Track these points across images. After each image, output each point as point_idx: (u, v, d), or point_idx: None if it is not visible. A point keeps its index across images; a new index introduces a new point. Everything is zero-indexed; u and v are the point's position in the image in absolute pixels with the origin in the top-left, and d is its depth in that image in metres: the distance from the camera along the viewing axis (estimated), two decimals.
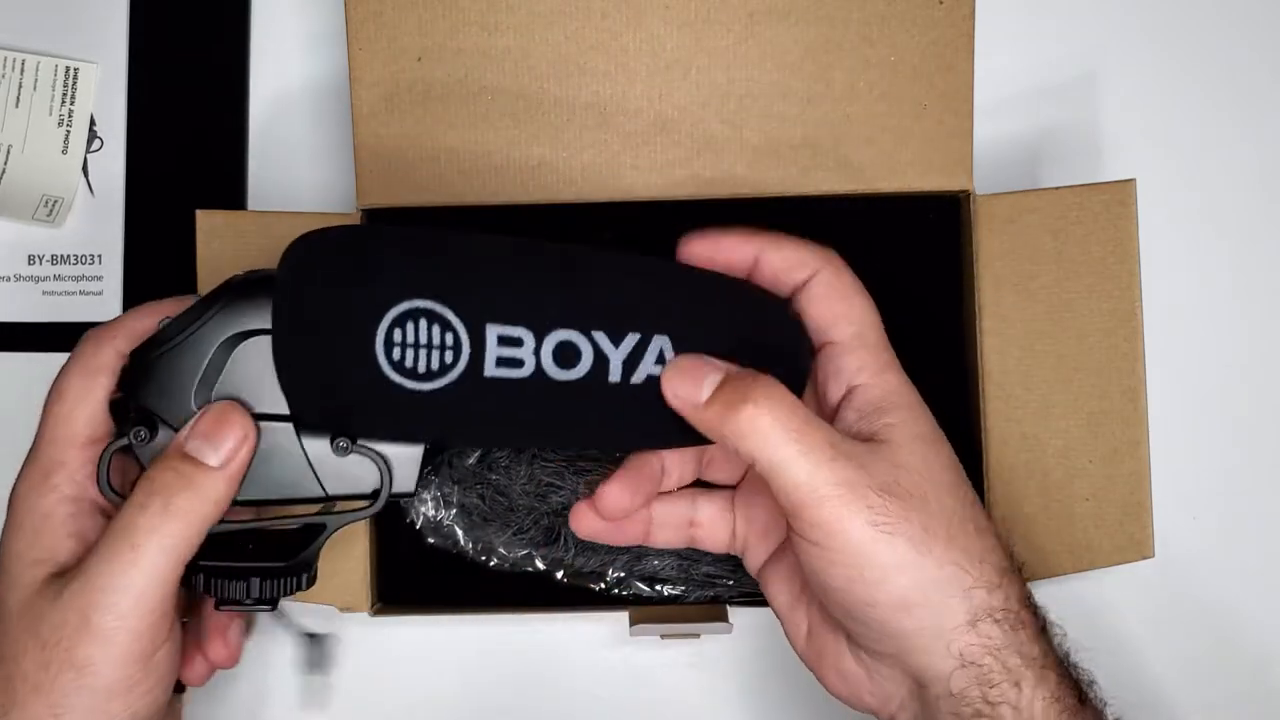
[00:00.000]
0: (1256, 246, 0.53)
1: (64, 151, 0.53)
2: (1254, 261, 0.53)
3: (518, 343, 0.35)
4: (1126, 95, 0.54)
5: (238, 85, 0.53)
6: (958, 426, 0.48)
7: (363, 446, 0.37)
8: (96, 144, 0.53)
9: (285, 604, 0.50)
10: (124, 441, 0.36)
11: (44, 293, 0.53)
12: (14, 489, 0.38)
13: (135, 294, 0.52)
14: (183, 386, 0.36)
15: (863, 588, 0.34)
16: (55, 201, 0.53)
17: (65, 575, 0.35)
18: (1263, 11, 0.54)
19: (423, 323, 0.34)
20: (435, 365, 0.34)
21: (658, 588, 0.48)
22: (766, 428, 0.34)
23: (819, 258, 0.39)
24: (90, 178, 0.53)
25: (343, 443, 0.37)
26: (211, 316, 0.36)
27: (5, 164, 0.53)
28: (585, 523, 0.40)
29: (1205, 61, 0.54)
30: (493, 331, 0.35)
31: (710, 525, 0.42)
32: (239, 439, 0.35)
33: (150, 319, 0.38)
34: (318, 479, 0.37)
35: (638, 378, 0.36)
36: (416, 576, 0.49)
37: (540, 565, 0.48)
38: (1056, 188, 0.47)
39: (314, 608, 0.50)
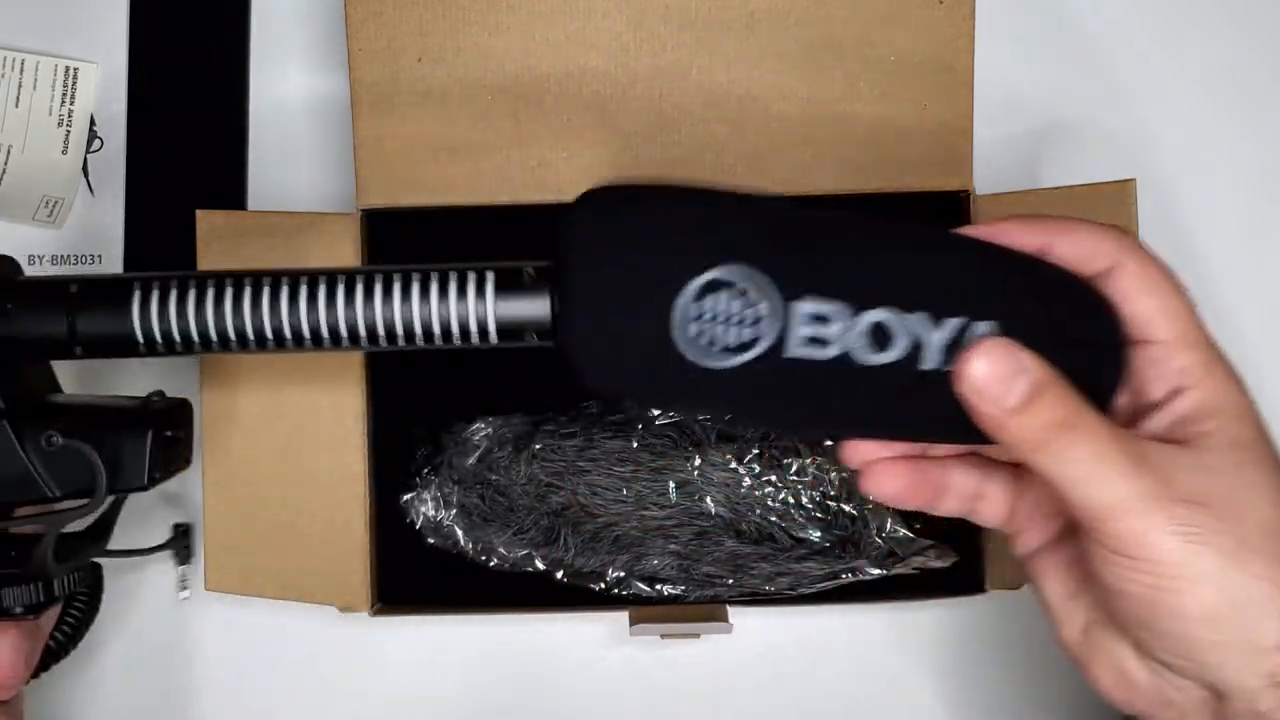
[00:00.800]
0: (1257, 246, 0.53)
1: (64, 152, 0.53)
2: (1254, 261, 0.53)
3: (827, 320, 0.31)
4: (1127, 95, 0.54)
5: (238, 85, 0.53)
6: None
7: (73, 442, 0.35)
8: (97, 144, 0.53)
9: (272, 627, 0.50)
10: None
11: None
12: None
13: None
14: None
15: (1166, 599, 0.32)
16: (55, 202, 0.52)
17: None
18: (1263, 11, 0.54)
19: (723, 296, 0.31)
20: (735, 341, 0.31)
21: (657, 587, 0.48)
22: (1078, 456, 0.31)
23: (1119, 245, 0.34)
24: (90, 178, 0.53)
25: (52, 437, 0.35)
26: None
27: (5, 164, 0.53)
28: (885, 481, 0.36)
29: (1206, 61, 0.54)
30: (802, 308, 0.31)
31: (993, 501, 0.38)
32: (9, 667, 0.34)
33: None
34: (41, 478, 0.35)
35: (950, 365, 0.32)
36: (416, 576, 0.49)
37: (540, 565, 0.48)
38: (1056, 187, 0.47)
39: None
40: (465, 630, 0.51)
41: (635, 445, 0.48)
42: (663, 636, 0.48)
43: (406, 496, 0.49)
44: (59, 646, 0.43)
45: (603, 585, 0.48)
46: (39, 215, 0.52)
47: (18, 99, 0.53)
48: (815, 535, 0.48)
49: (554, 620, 0.51)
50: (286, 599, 0.47)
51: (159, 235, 0.52)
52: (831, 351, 0.31)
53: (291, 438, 0.46)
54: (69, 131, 0.53)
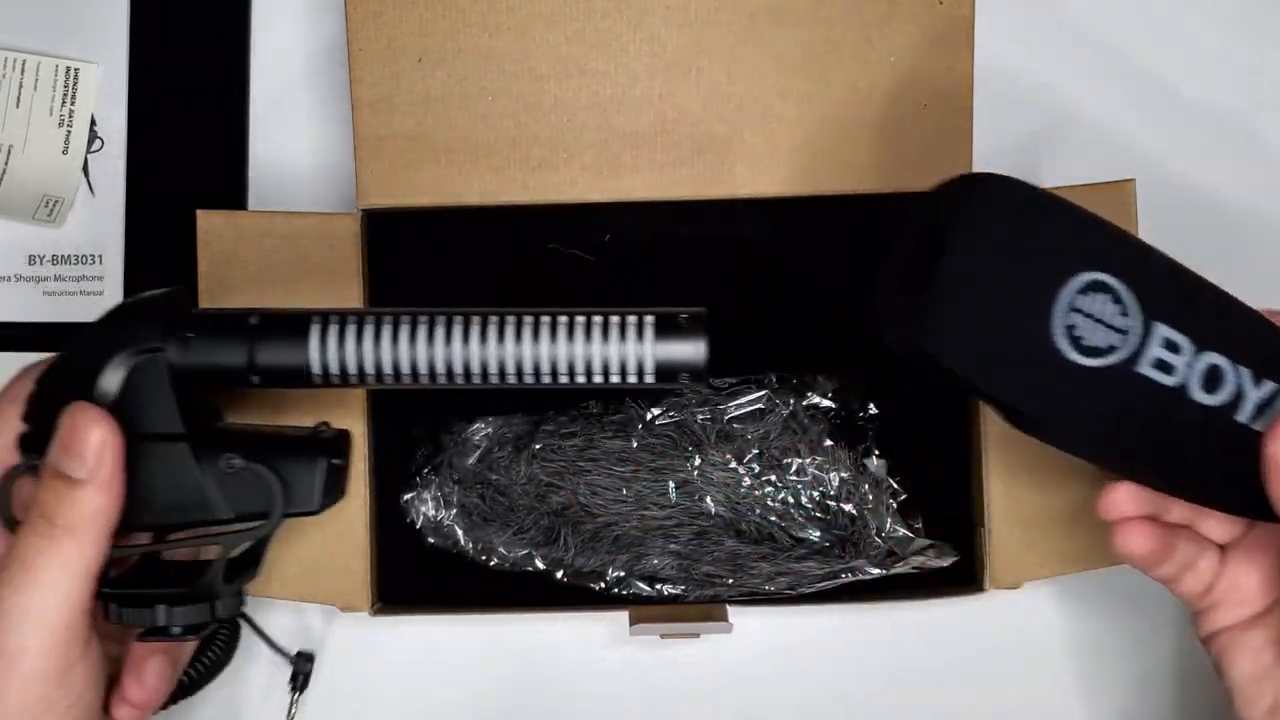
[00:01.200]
0: (1258, 245, 0.53)
1: (64, 152, 0.53)
2: (1256, 261, 0.53)
3: (1176, 349, 0.34)
4: (1126, 95, 0.54)
5: (238, 85, 0.53)
6: (958, 426, 0.48)
7: (254, 464, 0.36)
8: (97, 144, 0.53)
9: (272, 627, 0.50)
10: (22, 467, 0.36)
11: (45, 293, 0.53)
12: None
13: (135, 294, 0.52)
14: None
15: None
16: (56, 202, 0.53)
17: None
18: (1264, 11, 0.54)
19: (1100, 298, 0.33)
20: (1101, 343, 0.33)
21: (657, 587, 0.48)
22: None
23: None
24: (91, 178, 0.53)
25: (232, 460, 0.36)
26: (100, 338, 0.36)
27: (6, 164, 0.53)
28: (1138, 540, 0.38)
29: (1206, 60, 0.54)
30: (1160, 330, 0.34)
31: (1198, 575, 0.40)
32: (98, 445, 0.34)
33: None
34: (216, 500, 0.36)
35: (1259, 424, 0.36)
36: (416, 576, 0.49)
37: (540, 565, 0.48)
38: (1056, 187, 0.47)
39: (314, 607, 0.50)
40: (465, 630, 0.51)
41: (635, 445, 0.48)
42: (663, 636, 0.48)
43: (407, 496, 0.49)
44: (191, 683, 0.43)
45: (603, 585, 0.48)
46: (39, 215, 0.52)
47: (18, 99, 0.53)
48: (815, 535, 0.48)
49: (554, 620, 0.51)
50: (287, 599, 0.47)
51: (159, 235, 0.52)
52: (1172, 379, 0.34)
53: None
54: (69, 131, 0.53)
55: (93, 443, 0.34)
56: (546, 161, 0.46)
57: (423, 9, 0.46)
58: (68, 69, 0.53)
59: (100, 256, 0.53)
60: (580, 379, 0.36)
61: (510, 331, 0.36)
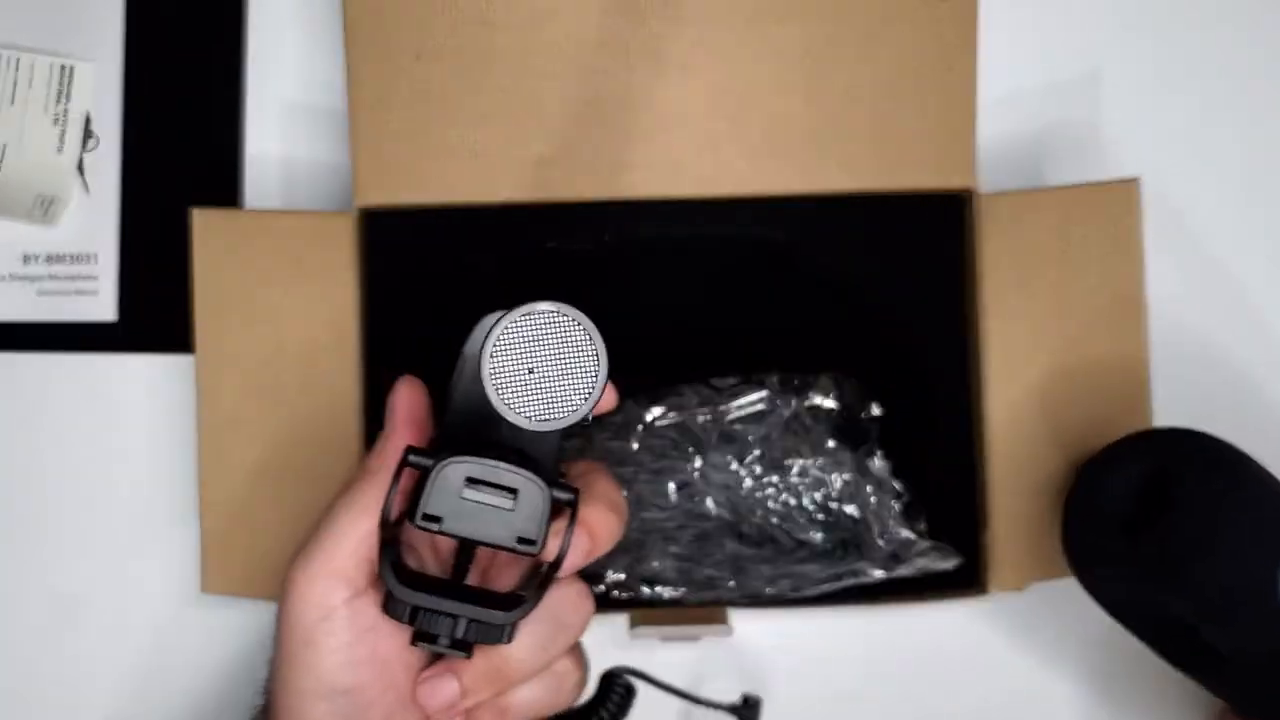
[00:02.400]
0: (1261, 245, 0.53)
1: (59, 150, 0.53)
2: (1258, 261, 0.53)
3: None
4: (1130, 93, 0.54)
5: (234, 83, 0.53)
6: (961, 427, 0.48)
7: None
8: (92, 143, 0.53)
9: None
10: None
11: (39, 292, 0.52)
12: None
13: (131, 293, 0.52)
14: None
15: None
16: (50, 200, 0.52)
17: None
18: (1266, 9, 0.54)
19: None
20: None
21: (658, 589, 0.48)
22: None
23: None
24: (86, 176, 0.53)
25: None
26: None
27: (0, 163, 0.52)
28: None
29: (1209, 59, 0.54)
30: None
31: None
32: (392, 399, 0.38)
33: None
34: (540, 536, 0.34)
35: None
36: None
37: None
38: (1060, 186, 0.47)
39: None
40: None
41: (636, 446, 0.48)
42: (663, 639, 0.48)
43: None
44: None
45: (602, 587, 0.48)
46: (34, 213, 0.52)
47: (13, 97, 0.53)
48: (817, 537, 0.48)
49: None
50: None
51: (154, 234, 0.52)
52: None
53: (289, 439, 0.46)
54: (64, 130, 0.53)
55: (391, 398, 0.38)
56: (546, 160, 0.46)
57: (421, 6, 0.45)
58: (62, 67, 0.53)
59: (95, 255, 0.52)
60: None
61: None
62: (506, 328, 0.34)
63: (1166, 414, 0.48)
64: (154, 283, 0.52)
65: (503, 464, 0.33)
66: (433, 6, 0.45)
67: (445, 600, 0.34)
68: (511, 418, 0.33)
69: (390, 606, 0.35)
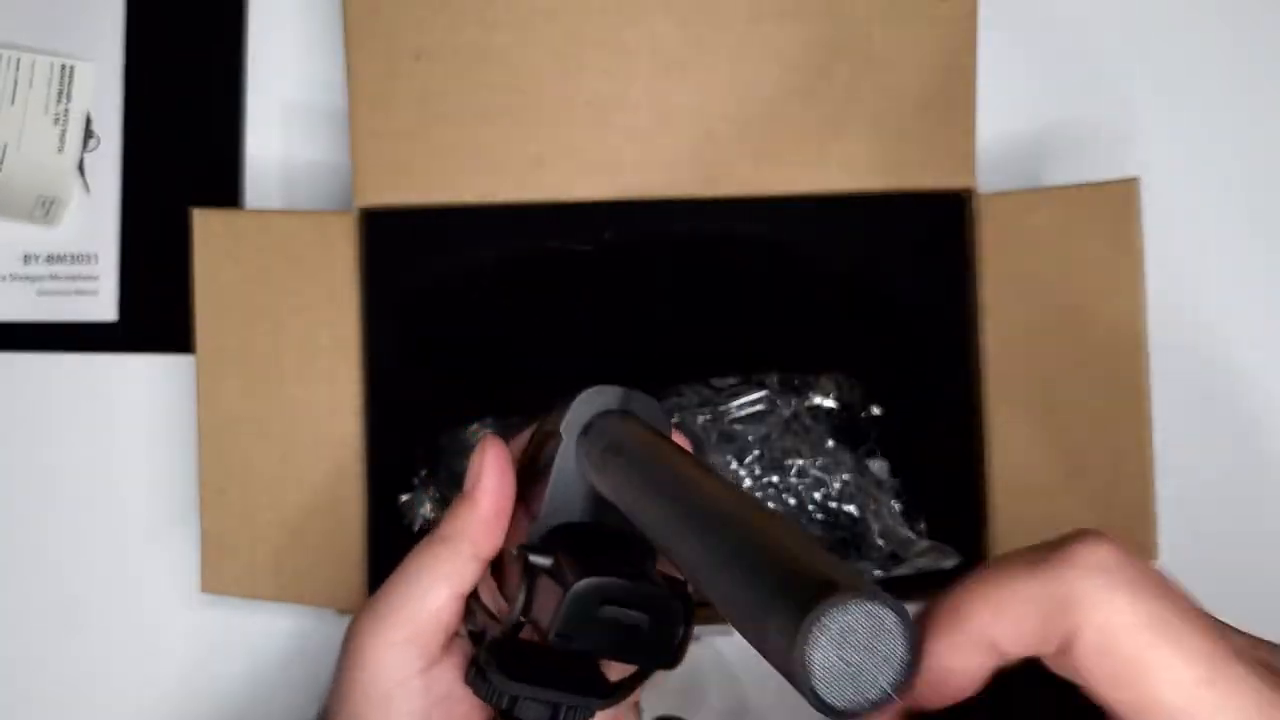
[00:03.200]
0: (1261, 244, 0.53)
1: (60, 150, 0.53)
2: (1259, 260, 0.53)
3: None
4: (1130, 93, 0.54)
5: (234, 83, 0.53)
6: (961, 427, 0.48)
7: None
8: (93, 143, 0.53)
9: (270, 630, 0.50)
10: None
11: (40, 292, 0.52)
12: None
13: (131, 293, 0.52)
14: None
15: None
16: (51, 201, 0.52)
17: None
18: (1267, 8, 0.54)
19: None
20: None
21: None
22: None
23: (1065, 603, 0.22)
24: (86, 177, 0.53)
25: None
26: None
27: (1, 163, 0.52)
28: None
29: (1209, 60, 0.54)
30: None
31: None
32: (478, 462, 0.35)
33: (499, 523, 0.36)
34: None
35: None
36: None
37: None
38: (1060, 186, 0.47)
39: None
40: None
41: None
42: None
43: (404, 498, 0.49)
44: None
45: None
46: (35, 214, 0.52)
47: (13, 97, 0.53)
48: (817, 536, 0.48)
49: None
50: (284, 601, 0.46)
51: (155, 234, 0.52)
52: None
53: (289, 440, 0.46)
54: (65, 130, 0.53)
55: (476, 461, 0.35)
56: (545, 160, 0.46)
57: (420, 6, 0.45)
58: (63, 66, 0.53)
59: (96, 256, 0.52)
60: None
61: None
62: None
63: (1165, 412, 0.48)
64: (154, 283, 0.52)
65: (643, 584, 0.32)
66: (432, 6, 0.45)
67: (544, 690, 0.34)
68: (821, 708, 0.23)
69: (482, 689, 0.34)
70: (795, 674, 0.20)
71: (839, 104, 0.46)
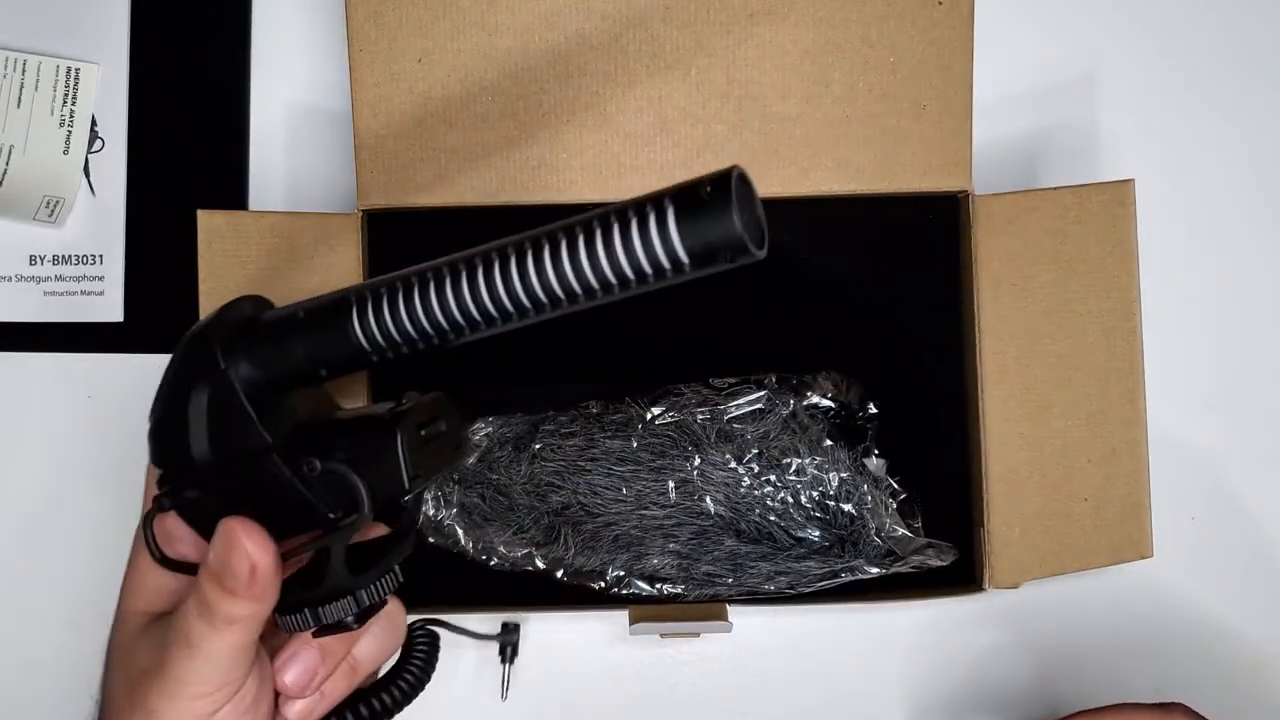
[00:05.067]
0: (1254, 245, 0.53)
1: (65, 152, 0.53)
2: (1252, 261, 0.53)
3: None
4: (1125, 96, 0.54)
5: (239, 86, 0.53)
6: (957, 426, 0.48)
7: (332, 464, 0.35)
8: (98, 144, 0.53)
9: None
10: (154, 510, 0.36)
11: (45, 293, 0.53)
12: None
13: (136, 294, 0.53)
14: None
15: None
16: (56, 202, 0.53)
17: (160, 620, 0.38)
18: (1259, 12, 0.54)
19: None
20: None
21: (658, 586, 0.48)
22: None
23: None
24: (91, 178, 0.53)
25: (312, 463, 0.35)
26: (178, 377, 0.36)
27: (7, 165, 0.53)
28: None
29: (1203, 62, 0.54)
30: None
31: None
32: (248, 569, 0.35)
33: None
34: (317, 504, 0.36)
35: None
36: (416, 576, 0.49)
37: (540, 565, 0.48)
38: (1055, 188, 0.47)
39: None
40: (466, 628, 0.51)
41: (635, 445, 0.48)
42: (663, 636, 0.49)
43: (406, 497, 0.49)
44: (393, 703, 0.43)
45: (603, 584, 0.48)
46: (40, 215, 0.52)
47: (19, 99, 0.53)
48: (814, 534, 0.48)
49: (554, 619, 0.51)
50: None
51: (160, 235, 0.53)
52: None
53: None
54: (70, 132, 0.53)
55: (244, 568, 0.35)
56: (546, 161, 0.46)
57: (423, 10, 0.46)
58: (68, 69, 0.53)
59: (101, 256, 0.53)
60: (616, 290, 0.32)
61: (539, 256, 0.32)
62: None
63: (1160, 411, 0.48)
64: (160, 283, 0.52)
65: (416, 400, 0.37)
66: (434, 11, 0.46)
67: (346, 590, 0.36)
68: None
69: (295, 621, 0.36)
70: (719, 207, 0.28)
71: (837, 107, 0.46)
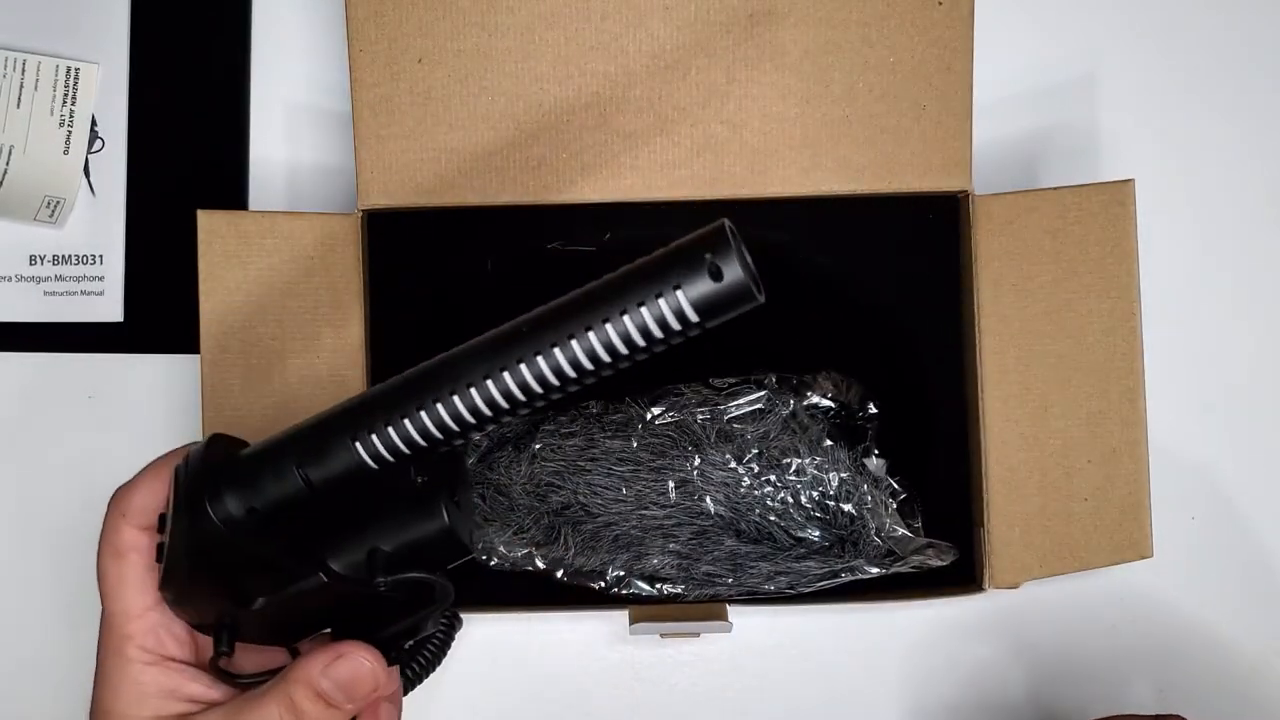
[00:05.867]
0: (1254, 245, 0.54)
1: (65, 152, 0.53)
2: (1252, 260, 0.53)
3: None
4: (1125, 96, 0.54)
5: (239, 86, 0.53)
6: (957, 426, 0.49)
7: (399, 578, 0.36)
8: (98, 144, 0.53)
9: None
10: (221, 653, 0.36)
11: (45, 293, 0.53)
12: (98, 646, 0.39)
13: (137, 294, 0.53)
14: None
15: None
16: (57, 202, 0.53)
17: None
18: (1258, 12, 0.54)
19: None
20: None
21: (658, 586, 0.48)
22: None
23: None
24: (92, 178, 0.53)
25: (381, 583, 0.35)
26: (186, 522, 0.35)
27: (7, 165, 0.53)
28: None
29: (1203, 62, 0.54)
30: None
31: None
32: (368, 691, 0.36)
33: (159, 484, 0.38)
34: (398, 607, 0.37)
35: None
36: None
37: (540, 565, 0.48)
38: (1055, 188, 0.47)
39: None
40: (465, 629, 0.51)
41: (635, 445, 0.48)
42: (663, 635, 0.49)
43: None
44: (413, 675, 0.43)
45: (603, 584, 0.48)
46: (40, 215, 0.52)
47: (19, 99, 0.53)
48: (814, 534, 0.48)
49: (554, 619, 0.51)
50: None
51: (160, 235, 0.53)
52: None
53: None
54: (70, 132, 0.53)
55: (366, 688, 0.36)
56: (546, 161, 0.46)
57: (423, 10, 0.46)
58: (68, 69, 0.53)
59: (101, 257, 0.53)
60: (625, 361, 0.31)
61: (535, 348, 0.32)
62: None
63: (1160, 411, 0.48)
64: (160, 283, 0.52)
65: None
66: (435, 11, 0.46)
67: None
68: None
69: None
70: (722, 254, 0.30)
71: (836, 106, 0.47)
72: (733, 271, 0.30)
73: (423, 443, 0.32)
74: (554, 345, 0.31)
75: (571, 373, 0.31)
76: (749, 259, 0.31)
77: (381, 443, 0.32)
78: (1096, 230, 0.46)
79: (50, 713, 0.52)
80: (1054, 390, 0.46)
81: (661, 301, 0.30)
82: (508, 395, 0.31)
